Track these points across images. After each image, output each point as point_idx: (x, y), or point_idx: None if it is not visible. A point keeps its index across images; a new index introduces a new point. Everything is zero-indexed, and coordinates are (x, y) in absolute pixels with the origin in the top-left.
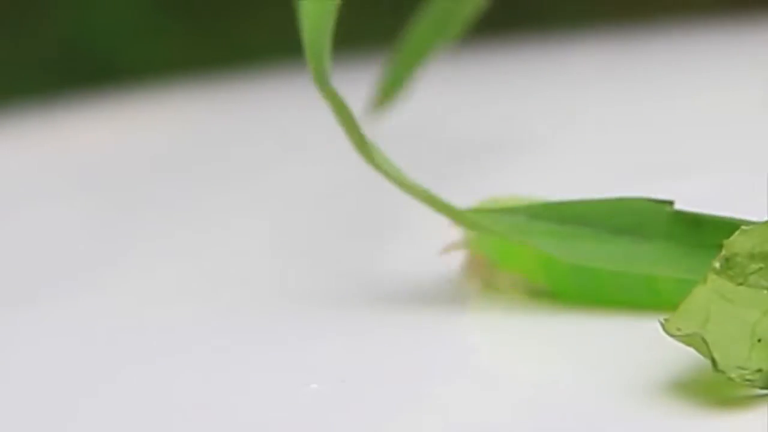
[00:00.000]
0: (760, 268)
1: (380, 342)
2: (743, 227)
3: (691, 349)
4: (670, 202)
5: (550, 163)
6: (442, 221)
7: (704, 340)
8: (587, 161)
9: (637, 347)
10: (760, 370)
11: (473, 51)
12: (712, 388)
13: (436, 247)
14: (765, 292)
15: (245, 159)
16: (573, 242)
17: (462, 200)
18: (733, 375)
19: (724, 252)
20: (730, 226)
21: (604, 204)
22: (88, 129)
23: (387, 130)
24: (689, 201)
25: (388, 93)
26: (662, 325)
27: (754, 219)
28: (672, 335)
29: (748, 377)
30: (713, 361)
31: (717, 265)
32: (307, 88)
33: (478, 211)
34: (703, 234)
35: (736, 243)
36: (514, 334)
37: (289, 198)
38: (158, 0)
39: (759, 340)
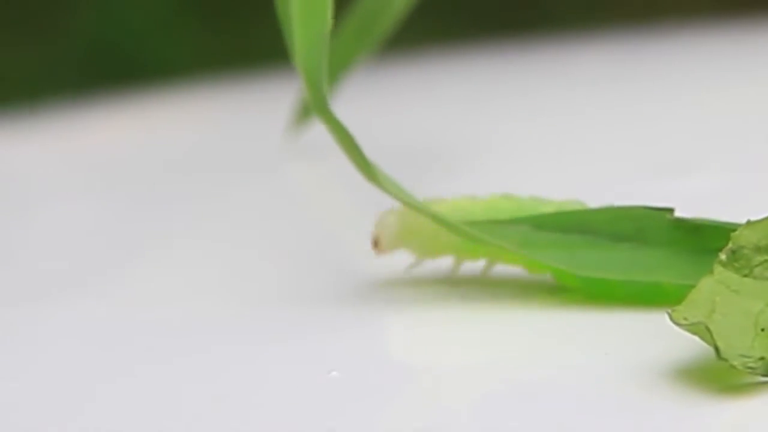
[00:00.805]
0: (765, 261)
1: (392, 334)
2: (749, 220)
3: (696, 338)
4: (670, 210)
5: (553, 162)
6: None
7: (708, 329)
8: (591, 160)
9: (645, 337)
10: (762, 358)
11: (480, 52)
12: (716, 375)
13: None
14: None
15: (265, 157)
16: (578, 252)
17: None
18: (735, 363)
19: (730, 245)
20: (728, 232)
21: (605, 212)
22: (114, 126)
23: (404, 130)
24: (693, 198)
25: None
26: (669, 315)
27: (755, 217)
28: (678, 324)
29: (750, 365)
30: (716, 349)
31: (723, 257)
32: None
33: (482, 224)
34: (703, 240)
35: (743, 236)
36: (528, 325)
37: (307, 196)
38: (183, 1)
39: (762, 330)
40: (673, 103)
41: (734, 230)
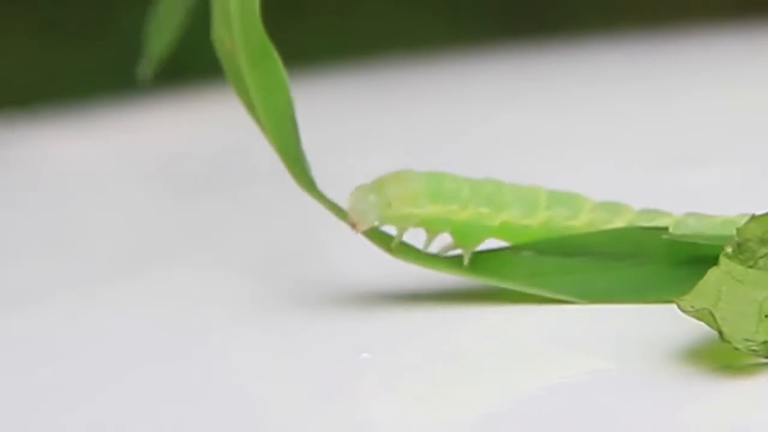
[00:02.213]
0: None
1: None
2: (755, 215)
3: (703, 326)
4: (665, 229)
5: (570, 155)
6: None
7: (711, 314)
8: (605, 153)
9: (654, 324)
10: (765, 342)
11: (501, 53)
12: (722, 357)
13: None
14: None
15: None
16: (582, 277)
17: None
18: (739, 345)
19: (736, 238)
20: (720, 246)
21: (604, 234)
22: (158, 123)
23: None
24: (703, 189)
25: (156, 49)
26: (677, 303)
27: (760, 209)
28: (685, 311)
29: (753, 348)
30: (720, 333)
31: (729, 249)
32: (356, 88)
33: (485, 254)
34: (698, 254)
35: (748, 229)
36: (546, 315)
37: (345, 191)
38: None
39: (766, 316)
40: (684, 101)
41: (724, 245)
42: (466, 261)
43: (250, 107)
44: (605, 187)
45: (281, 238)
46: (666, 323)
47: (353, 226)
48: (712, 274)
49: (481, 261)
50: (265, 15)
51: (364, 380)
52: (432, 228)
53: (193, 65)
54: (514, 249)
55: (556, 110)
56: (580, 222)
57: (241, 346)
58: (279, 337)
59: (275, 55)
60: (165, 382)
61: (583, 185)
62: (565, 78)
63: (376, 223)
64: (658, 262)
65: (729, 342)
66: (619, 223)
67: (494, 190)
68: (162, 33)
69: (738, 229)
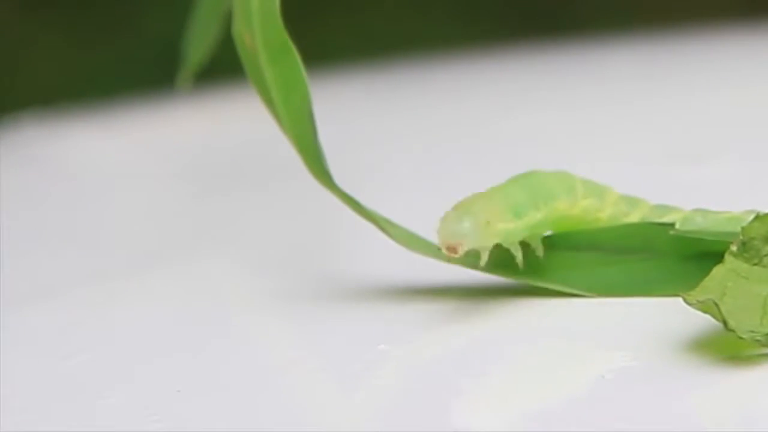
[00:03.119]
0: None
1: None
2: (759, 214)
3: (709, 318)
4: (672, 225)
5: (582, 151)
6: None
7: (716, 305)
8: (615, 149)
9: (663, 317)
10: None
11: (514, 53)
12: (728, 348)
13: None
14: None
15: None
16: (591, 270)
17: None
18: (744, 335)
19: (741, 236)
20: (725, 242)
21: (614, 230)
22: (185, 120)
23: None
24: (714, 185)
25: (193, 62)
26: (684, 298)
27: (765, 205)
28: (691, 305)
29: (758, 338)
30: (725, 323)
31: (734, 248)
32: (373, 86)
33: (492, 250)
34: (704, 249)
35: (752, 228)
36: (556, 308)
37: (361, 185)
38: None
39: None
40: (694, 99)
41: (729, 241)
42: (483, 261)
43: (269, 103)
44: (618, 182)
45: (300, 233)
46: (673, 316)
47: (452, 250)
48: (718, 271)
49: (493, 257)
50: (285, 15)
51: (381, 371)
52: (535, 233)
53: (216, 65)
54: (525, 245)
55: (569, 109)
56: (605, 214)
57: (261, 338)
58: (297, 329)
59: (294, 51)
60: (185, 373)
61: (596, 180)
62: (579, 77)
63: (474, 246)
64: (665, 257)
65: (734, 331)
66: (634, 217)
67: (570, 182)
68: (199, 42)
69: (743, 228)
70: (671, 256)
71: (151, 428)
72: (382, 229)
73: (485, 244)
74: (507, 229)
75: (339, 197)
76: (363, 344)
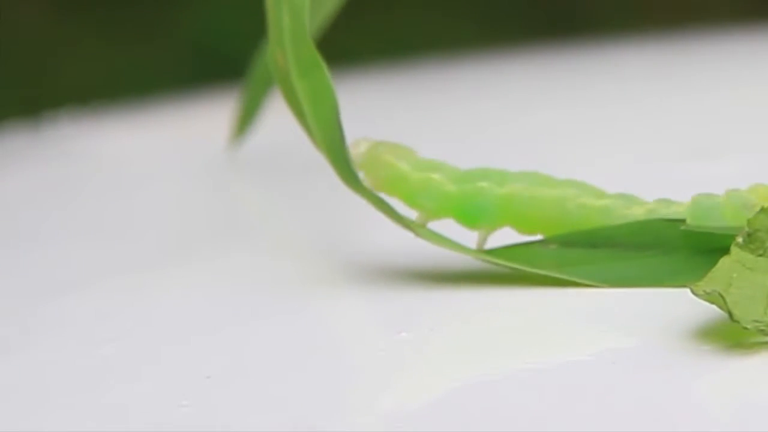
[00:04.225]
0: None
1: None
2: (764, 207)
3: (716, 308)
4: (683, 220)
5: (594, 148)
6: None
7: (721, 296)
8: (626, 147)
9: (671, 307)
10: None
11: (526, 54)
12: (733, 336)
13: None
14: None
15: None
16: (605, 265)
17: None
18: (748, 325)
19: (747, 228)
20: (734, 235)
21: (627, 227)
22: (214, 119)
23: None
24: (723, 180)
25: (244, 122)
26: (691, 289)
27: None
28: (698, 295)
29: (761, 327)
30: (730, 313)
31: (740, 239)
32: (393, 87)
33: (512, 247)
34: (715, 243)
35: (758, 220)
36: (569, 297)
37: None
38: None
39: None
40: (702, 97)
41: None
42: (478, 245)
43: (300, 115)
44: (630, 177)
45: (326, 225)
46: (681, 305)
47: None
48: (724, 262)
49: (511, 253)
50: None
51: (401, 358)
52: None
53: (242, 66)
54: (543, 242)
55: (584, 107)
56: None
57: (288, 325)
58: (323, 316)
59: (323, 65)
60: (214, 360)
61: (607, 176)
62: (593, 77)
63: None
64: (677, 252)
65: (738, 322)
66: (636, 212)
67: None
68: (249, 112)
69: (749, 220)
70: (683, 251)
71: (180, 414)
72: (411, 229)
73: (368, 169)
74: (398, 170)
75: (368, 200)
76: (384, 331)
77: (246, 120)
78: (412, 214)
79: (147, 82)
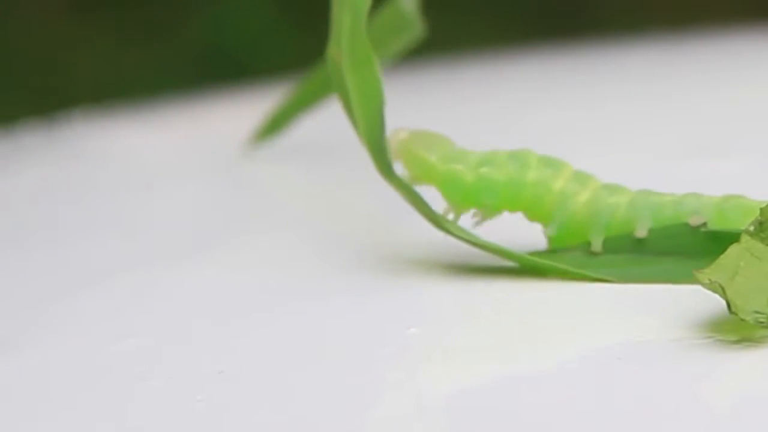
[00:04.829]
0: None
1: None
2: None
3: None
4: (704, 224)
5: (607, 147)
6: None
7: (722, 287)
8: (636, 144)
9: (684, 301)
10: None
11: (535, 54)
12: (743, 330)
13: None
14: None
15: (354, 143)
16: (628, 268)
17: None
18: (748, 318)
19: (758, 217)
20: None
21: (650, 233)
22: (223, 118)
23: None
24: (728, 177)
25: (272, 128)
26: (696, 274)
27: None
28: (701, 283)
29: (761, 320)
30: (728, 304)
31: (751, 228)
32: (405, 86)
33: (542, 253)
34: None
35: None
36: (581, 292)
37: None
38: (283, 9)
39: None
40: (708, 96)
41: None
42: (454, 218)
43: (348, 106)
44: (634, 174)
45: (348, 219)
46: (693, 302)
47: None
48: (733, 250)
49: (530, 259)
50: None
51: (411, 352)
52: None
53: (253, 67)
54: (566, 250)
55: (589, 106)
56: (557, 187)
57: (303, 321)
58: (330, 312)
59: (375, 62)
60: (226, 355)
61: (614, 173)
62: (598, 76)
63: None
64: (697, 255)
65: (735, 314)
66: (584, 195)
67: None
68: (280, 120)
69: (761, 209)
70: (704, 255)
71: (194, 409)
72: (440, 226)
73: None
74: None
75: (402, 192)
76: (395, 325)
77: (278, 124)
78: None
79: (157, 82)
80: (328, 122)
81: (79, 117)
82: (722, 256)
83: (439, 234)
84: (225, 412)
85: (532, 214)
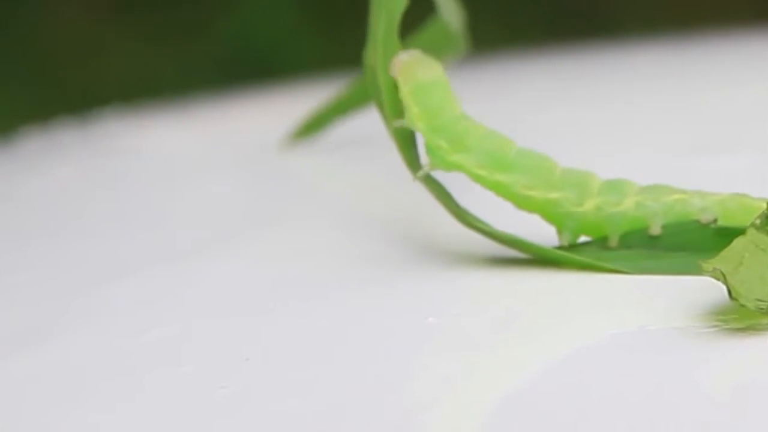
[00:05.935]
0: None
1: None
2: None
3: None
4: (714, 220)
5: (619, 144)
6: None
7: (723, 273)
8: (644, 142)
9: (693, 291)
10: None
11: (548, 55)
12: (741, 317)
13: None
14: None
15: (374, 141)
16: (640, 262)
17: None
18: (749, 304)
19: (765, 211)
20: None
21: (663, 230)
22: (248, 117)
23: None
24: (733, 173)
25: (309, 130)
26: (701, 264)
27: None
28: (705, 271)
29: (762, 307)
30: (729, 291)
31: (758, 221)
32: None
33: (562, 248)
34: None
35: None
36: (589, 283)
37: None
38: (306, 12)
39: None
40: (715, 95)
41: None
42: (415, 178)
43: (380, 105)
44: (644, 170)
45: (372, 213)
46: (701, 290)
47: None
48: (739, 242)
49: (549, 252)
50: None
51: (430, 342)
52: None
53: (277, 67)
54: (583, 244)
55: (599, 105)
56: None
57: (326, 310)
58: (353, 301)
59: None
60: (253, 343)
61: (626, 170)
62: (610, 76)
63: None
64: (707, 250)
65: (736, 300)
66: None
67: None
68: (320, 122)
69: None
70: (714, 250)
71: (219, 396)
72: (465, 222)
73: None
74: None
75: (429, 188)
76: (412, 317)
77: (315, 126)
78: (466, 202)
79: (186, 82)
80: (361, 122)
81: (111, 115)
82: (728, 248)
83: (462, 228)
84: (249, 399)
85: (547, 219)
